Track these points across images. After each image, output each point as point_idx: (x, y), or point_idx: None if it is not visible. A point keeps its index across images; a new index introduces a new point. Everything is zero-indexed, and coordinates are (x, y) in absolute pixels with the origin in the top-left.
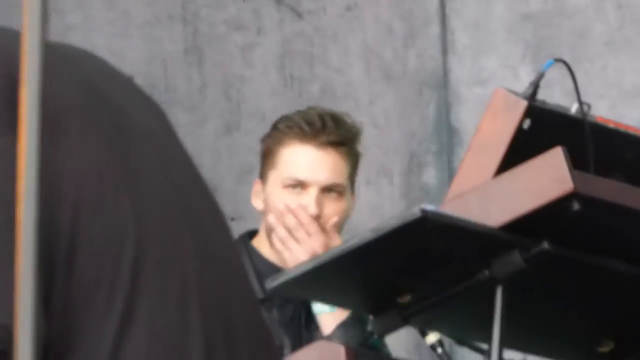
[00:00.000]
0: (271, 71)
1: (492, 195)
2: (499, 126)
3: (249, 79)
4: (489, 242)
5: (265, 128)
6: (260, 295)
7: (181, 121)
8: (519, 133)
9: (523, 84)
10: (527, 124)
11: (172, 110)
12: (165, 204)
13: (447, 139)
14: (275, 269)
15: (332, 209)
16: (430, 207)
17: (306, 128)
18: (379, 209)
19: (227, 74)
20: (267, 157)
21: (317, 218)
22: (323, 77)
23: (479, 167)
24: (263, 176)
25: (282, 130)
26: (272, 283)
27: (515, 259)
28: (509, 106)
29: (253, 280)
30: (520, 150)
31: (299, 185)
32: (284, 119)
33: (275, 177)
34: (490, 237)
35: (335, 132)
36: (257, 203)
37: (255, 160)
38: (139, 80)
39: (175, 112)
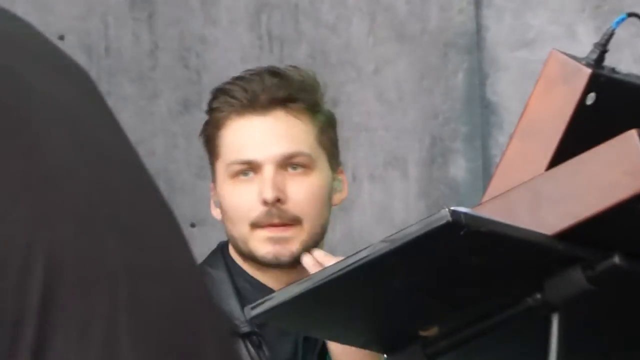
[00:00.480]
0: (242, 30)
1: (546, 194)
2: (554, 102)
3: (212, 41)
4: (541, 255)
5: None
6: (244, 325)
7: (126, 94)
8: (581, 111)
9: (581, 46)
10: (591, 99)
11: (114, 80)
12: (82, 204)
13: (481, 118)
14: (261, 289)
15: (300, 188)
16: (462, 209)
17: (240, 94)
18: (387, 211)
19: (184, 34)
20: (209, 149)
21: (279, 203)
22: (312, 37)
23: (528, 156)
24: (212, 175)
25: (215, 107)
26: (252, 311)
27: (576, 278)
28: (568, 75)
29: (234, 305)
30: (582, 134)
31: (250, 169)
32: (213, 94)
33: (221, 168)
34: (543, 249)
35: (280, 86)
36: (216, 212)
37: None
38: (72, 41)
39: (119, 82)
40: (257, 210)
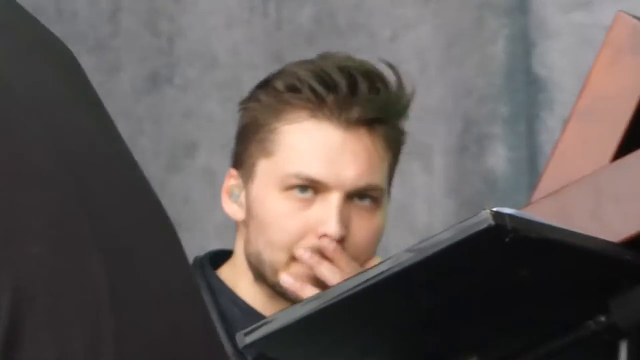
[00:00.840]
0: None
1: (611, 191)
2: (622, 77)
3: (188, 1)
4: (606, 268)
5: (221, 84)
6: (231, 356)
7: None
8: None
9: None
10: None
11: None
12: (58, 215)
13: (526, 96)
14: (254, 316)
15: (364, 227)
16: (507, 210)
17: (323, 93)
18: (407, 211)
19: None
20: (253, 137)
21: (341, 242)
22: None
23: (589, 144)
24: (244, 165)
25: (281, 94)
26: (246, 337)
27: None
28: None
29: (219, 332)
30: None
31: (312, 187)
32: (283, 74)
33: (271, 171)
34: (608, 260)
35: (374, 100)
36: (233, 209)
37: (201, 134)
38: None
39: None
40: (306, 242)
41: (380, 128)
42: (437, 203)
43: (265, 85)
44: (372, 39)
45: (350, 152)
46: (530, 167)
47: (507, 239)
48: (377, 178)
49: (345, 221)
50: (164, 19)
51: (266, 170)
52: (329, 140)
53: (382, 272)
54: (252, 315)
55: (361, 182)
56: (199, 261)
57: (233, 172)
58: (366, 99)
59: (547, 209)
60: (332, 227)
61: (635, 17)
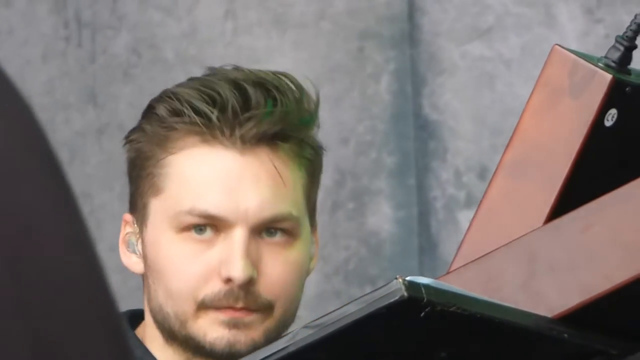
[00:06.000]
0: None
1: (546, 258)
2: (559, 123)
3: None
4: (541, 348)
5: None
6: None
7: None
8: (597, 135)
9: (564, 38)
10: (611, 117)
11: None
12: None
13: (415, 144)
14: None
15: (278, 264)
16: (422, 280)
17: (209, 112)
18: None
19: None
20: (140, 173)
21: (248, 284)
22: (136, 23)
23: (519, 202)
24: (137, 208)
25: (164, 120)
26: None
27: None
28: (579, 83)
29: None
30: (599, 168)
31: (210, 225)
32: (163, 98)
33: (162, 211)
34: (543, 338)
35: (272, 113)
36: (131, 260)
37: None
38: None
39: None
40: (212, 288)
41: (285, 145)
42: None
43: (147, 112)
44: None
45: (250, 178)
46: (422, 228)
47: (422, 314)
48: (287, 206)
49: (254, 260)
50: None
51: (158, 210)
52: (223, 167)
53: (274, 353)
54: None
55: (266, 213)
56: (128, 318)
57: (128, 217)
58: (261, 112)
59: (470, 278)
60: (237, 269)
61: (573, 51)
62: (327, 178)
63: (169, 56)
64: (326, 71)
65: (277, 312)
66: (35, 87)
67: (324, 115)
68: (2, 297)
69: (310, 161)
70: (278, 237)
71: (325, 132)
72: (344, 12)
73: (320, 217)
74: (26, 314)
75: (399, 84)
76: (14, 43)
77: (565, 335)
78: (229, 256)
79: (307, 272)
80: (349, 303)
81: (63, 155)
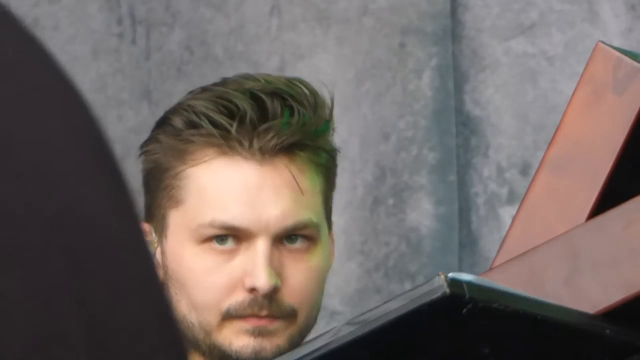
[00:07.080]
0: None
1: (589, 255)
2: (602, 119)
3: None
4: (582, 344)
5: None
6: None
7: None
8: None
9: (607, 34)
10: None
11: None
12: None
13: (456, 140)
14: None
15: (300, 271)
16: (464, 276)
17: (227, 123)
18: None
19: None
20: (158, 184)
21: (275, 293)
22: (189, 19)
23: (562, 199)
24: (155, 218)
25: (181, 132)
26: None
27: None
28: (623, 80)
29: None
30: None
31: (232, 236)
32: (179, 109)
33: (183, 223)
34: (585, 335)
35: (289, 123)
36: None
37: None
38: None
39: None
40: (236, 298)
41: (303, 153)
42: (336, 265)
43: (162, 123)
44: (255, 68)
45: (269, 189)
46: (463, 224)
47: (464, 311)
48: (307, 213)
49: (277, 269)
50: None
51: (178, 222)
52: (243, 178)
53: (317, 349)
54: None
55: (287, 222)
56: None
57: (145, 226)
58: (279, 123)
59: (513, 275)
60: (262, 279)
61: (616, 48)
62: (367, 174)
63: (219, 53)
64: (368, 67)
65: (300, 317)
66: (85, 83)
67: (364, 111)
68: (63, 294)
69: (327, 166)
70: (299, 244)
71: (367, 127)
72: (386, 8)
73: (361, 213)
74: (86, 310)
75: (441, 80)
76: (60, 39)
77: (608, 331)
78: (253, 267)
79: (327, 272)
80: (391, 300)
81: (116, 152)
